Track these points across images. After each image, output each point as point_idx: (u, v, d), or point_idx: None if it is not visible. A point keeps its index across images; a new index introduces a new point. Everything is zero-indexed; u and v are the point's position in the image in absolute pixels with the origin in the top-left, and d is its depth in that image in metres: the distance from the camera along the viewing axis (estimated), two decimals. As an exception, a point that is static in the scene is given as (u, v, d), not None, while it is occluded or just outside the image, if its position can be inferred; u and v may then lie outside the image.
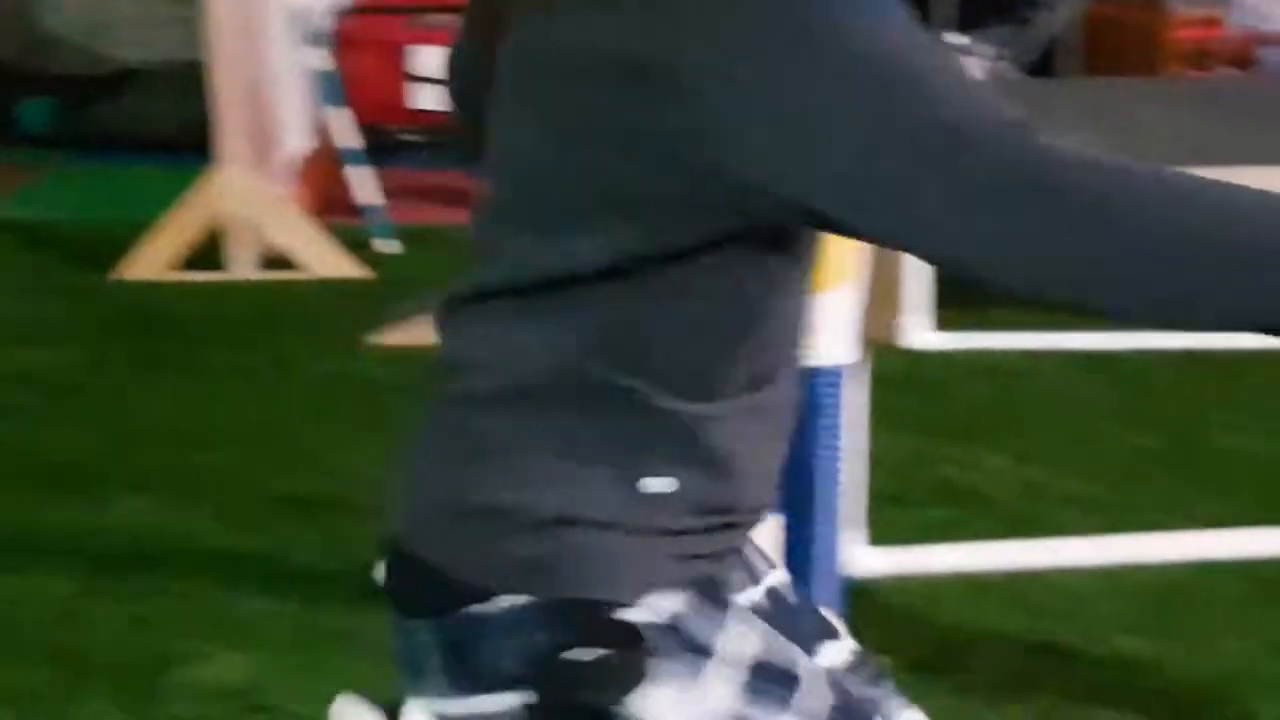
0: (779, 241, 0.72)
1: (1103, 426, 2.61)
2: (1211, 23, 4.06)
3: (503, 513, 0.79)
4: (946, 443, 2.54)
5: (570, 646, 0.79)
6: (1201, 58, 3.93)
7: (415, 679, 0.89)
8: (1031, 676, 1.83)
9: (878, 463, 2.09)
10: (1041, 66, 4.09)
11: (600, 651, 0.79)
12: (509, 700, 0.82)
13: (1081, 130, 2.47)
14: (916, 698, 1.37)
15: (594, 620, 0.79)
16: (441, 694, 0.87)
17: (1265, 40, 4.07)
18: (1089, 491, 2.31)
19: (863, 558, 1.97)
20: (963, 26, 3.87)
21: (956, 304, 2.85)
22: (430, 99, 3.31)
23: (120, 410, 2.59)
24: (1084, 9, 4.18)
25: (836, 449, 1.72)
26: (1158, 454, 2.46)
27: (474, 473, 0.81)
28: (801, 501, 1.66)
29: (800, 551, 1.67)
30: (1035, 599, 1.99)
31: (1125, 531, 2.15)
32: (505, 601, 0.81)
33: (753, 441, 0.80)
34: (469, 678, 0.86)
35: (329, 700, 1.07)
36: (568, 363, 0.72)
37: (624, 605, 0.78)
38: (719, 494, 0.80)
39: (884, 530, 2.02)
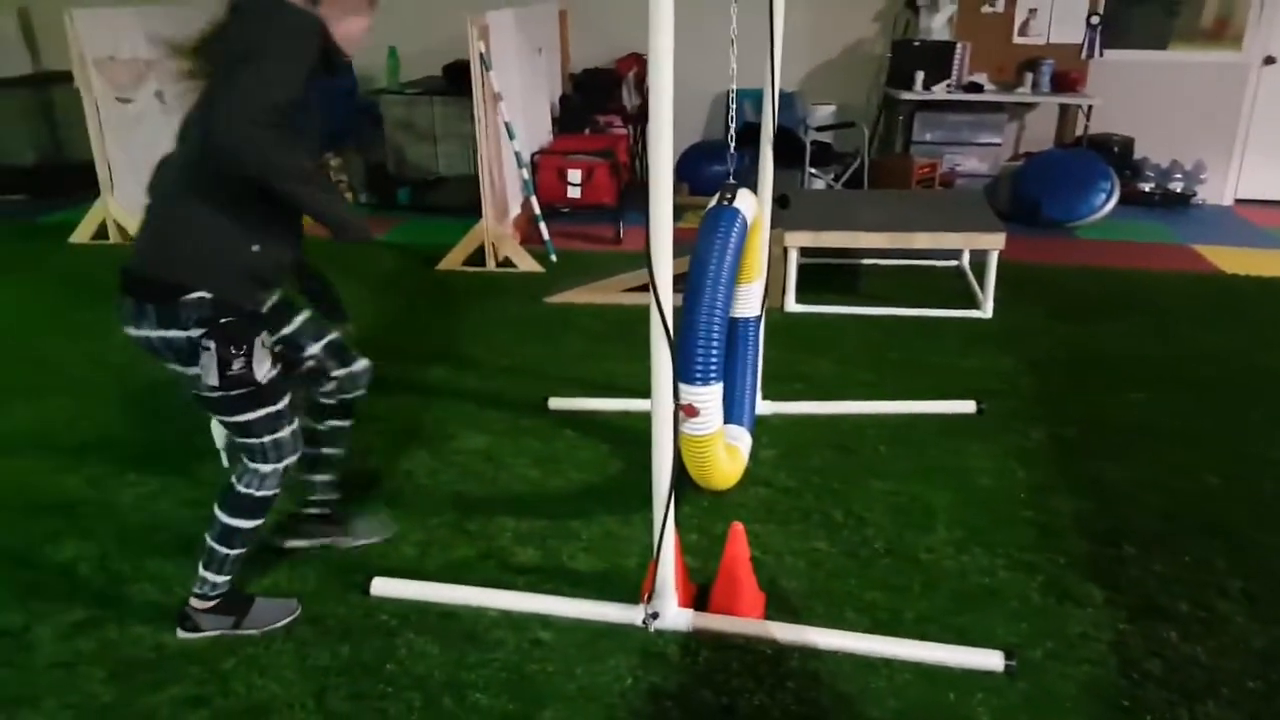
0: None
1: (876, 349, 4.03)
2: (933, 165, 6.18)
3: (197, 254, 1.96)
4: (801, 356, 3.95)
5: (223, 316, 1.96)
6: (928, 181, 6.05)
7: (132, 320, 1.99)
8: (840, 461, 3.11)
9: (769, 362, 3.46)
10: (854, 183, 6.13)
11: (233, 318, 1.96)
12: (189, 334, 1.97)
13: (874, 209, 4.40)
14: (783, 466, 2.90)
15: (232, 305, 1.97)
16: (150, 328, 1.98)
17: (958, 175, 6.29)
18: (868, 378, 3.72)
19: (761, 405, 3.37)
20: (814, 164, 5.86)
21: (809, 289, 4.58)
22: (573, 191, 5.54)
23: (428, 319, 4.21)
24: (874, 159, 6.33)
25: (755, 354, 3.00)
26: (902, 364, 3.87)
27: (182, 236, 1.96)
28: (739, 375, 2.91)
29: (736, 398, 2.88)
30: (843, 429, 3.29)
31: (883, 400, 3.47)
32: (195, 295, 1.94)
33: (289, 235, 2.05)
34: (171, 322, 1.96)
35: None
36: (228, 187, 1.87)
37: (246, 306, 2.00)
38: (278, 254, 2.01)
39: (771, 392, 3.47)
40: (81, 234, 5.90)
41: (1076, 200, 6.02)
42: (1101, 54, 6.45)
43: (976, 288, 4.65)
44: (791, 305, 4.55)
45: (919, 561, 2.55)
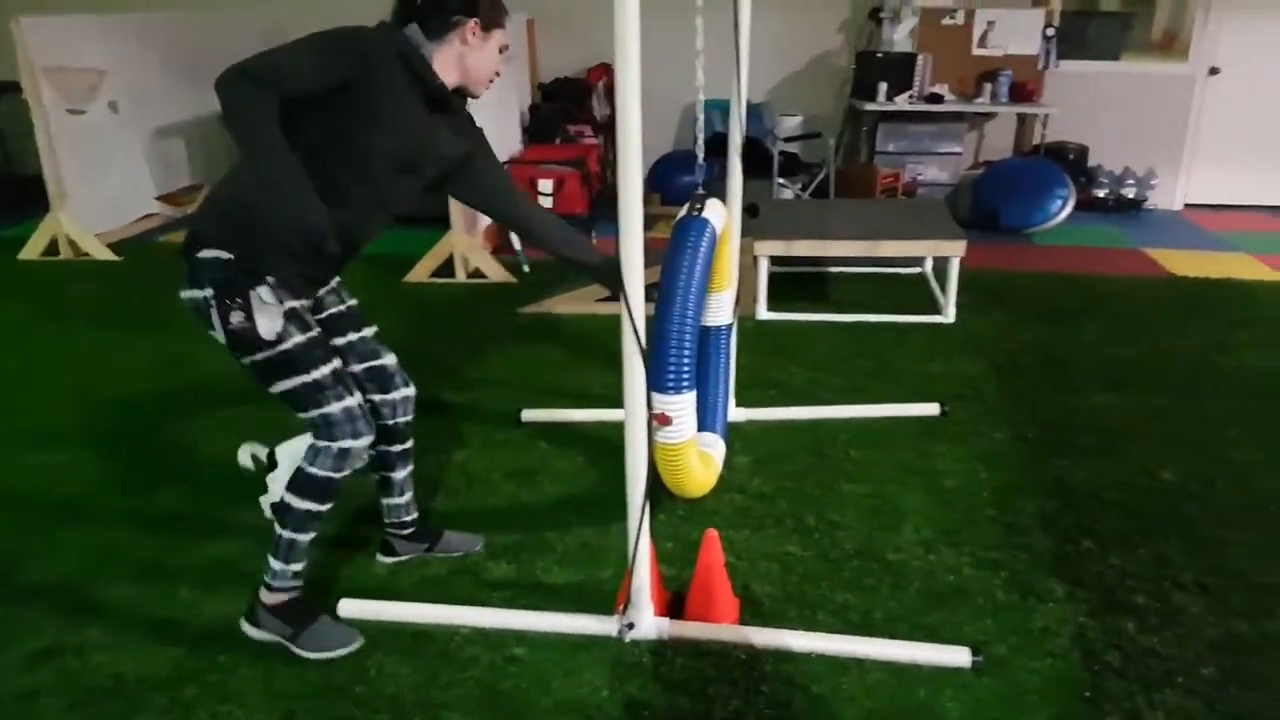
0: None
1: (845, 355, 4.11)
2: (897, 175, 6.30)
3: (227, 211, 2.01)
4: (774, 362, 4.02)
5: (233, 274, 1.95)
6: (892, 190, 6.18)
7: (180, 285, 2.04)
8: (812, 465, 3.17)
9: (742, 369, 3.58)
10: (820, 192, 6.21)
11: (243, 275, 1.95)
12: (205, 293, 1.99)
13: (841, 218, 4.50)
14: (757, 473, 2.94)
15: (244, 267, 1.96)
16: (182, 289, 2.05)
17: (920, 184, 6.41)
18: (839, 384, 3.80)
19: (735, 412, 3.44)
20: (782, 174, 5.95)
21: (780, 297, 4.65)
22: (545, 201, 5.42)
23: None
24: (839, 168, 6.42)
25: (727, 362, 3.01)
26: (871, 369, 3.95)
27: (217, 202, 2.03)
28: (711, 383, 2.93)
29: (709, 406, 2.91)
30: (815, 434, 3.35)
31: (853, 405, 3.53)
32: (211, 253, 1.98)
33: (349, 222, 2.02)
34: (194, 281, 2.01)
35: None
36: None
37: (258, 269, 1.97)
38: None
39: (745, 399, 3.54)
40: (31, 250, 5.81)
41: (1034, 207, 6.17)
42: (1057, 65, 6.62)
43: (939, 294, 4.75)
44: (763, 313, 4.63)
45: (888, 562, 2.61)
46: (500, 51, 2.17)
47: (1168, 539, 2.71)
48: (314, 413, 2.09)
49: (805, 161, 6.55)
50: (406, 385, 2.44)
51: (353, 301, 2.34)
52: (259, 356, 2.02)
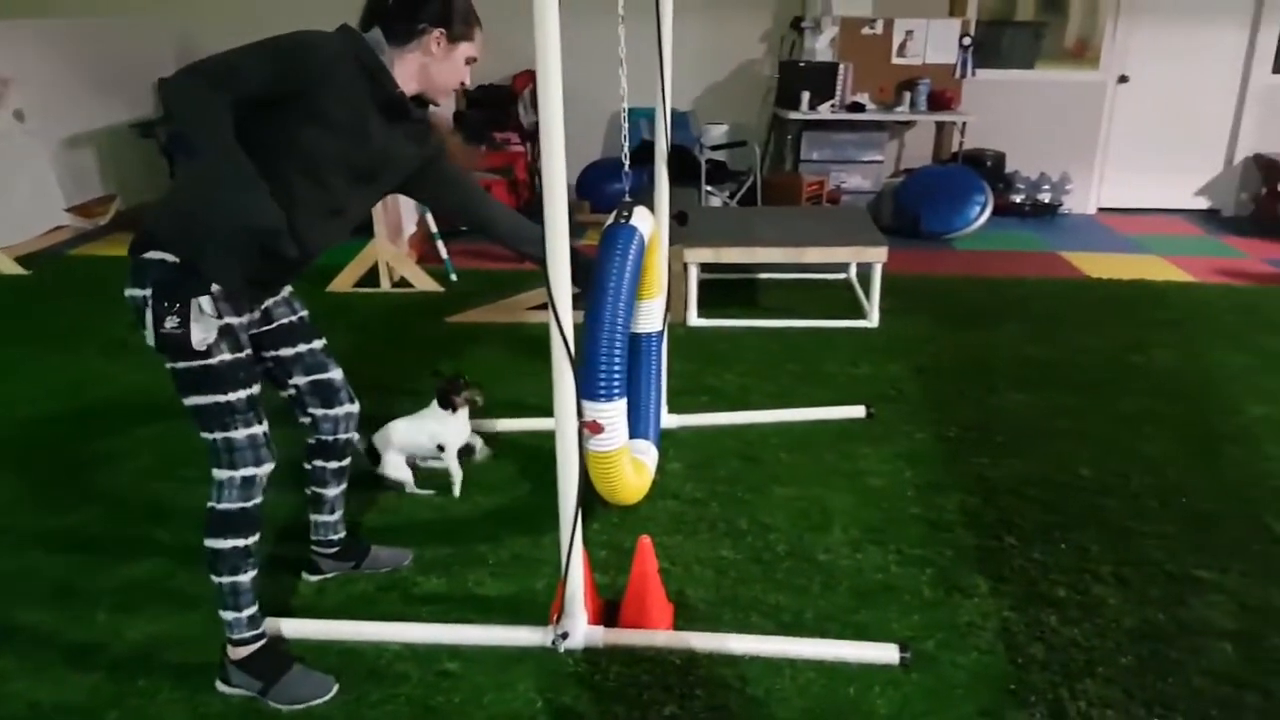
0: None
1: (775, 360, 4.16)
2: (821, 183, 6.41)
3: (175, 211, 1.93)
4: (705, 369, 4.06)
5: (175, 276, 1.87)
6: (817, 198, 6.29)
7: (128, 278, 1.92)
8: (744, 469, 3.20)
9: (675, 376, 3.62)
10: (748, 200, 6.30)
11: (186, 281, 1.87)
12: (145, 292, 1.89)
13: (769, 225, 4.57)
14: (690, 478, 2.97)
15: (189, 272, 1.87)
16: (126, 287, 1.92)
17: (843, 192, 6.54)
18: (769, 389, 3.84)
19: (667, 418, 3.45)
20: (710, 182, 6.01)
21: (710, 304, 4.69)
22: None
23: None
24: (766, 176, 6.51)
25: (659, 369, 3.07)
26: (800, 374, 4.02)
27: (167, 204, 1.94)
28: (643, 390, 2.98)
29: (641, 413, 2.96)
30: (747, 438, 3.38)
31: (784, 409, 3.59)
32: (158, 255, 1.89)
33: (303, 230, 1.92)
34: (137, 280, 1.90)
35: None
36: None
37: (204, 275, 1.88)
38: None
39: (677, 405, 3.57)
40: (-68, 268, 5.58)
41: (953, 213, 6.34)
42: (973, 73, 6.81)
43: (864, 298, 4.84)
44: (694, 320, 4.66)
45: (819, 563, 2.65)
46: (467, 63, 2.11)
47: (1086, 532, 2.80)
48: (218, 435, 2.02)
49: (733, 169, 6.62)
50: (351, 401, 2.39)
51: (304, 312, 2.28)
52: (181, 365, 1.95)
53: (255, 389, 2.06)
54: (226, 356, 1.97)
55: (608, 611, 2.40)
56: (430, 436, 3.00)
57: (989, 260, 5.92)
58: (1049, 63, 7.20)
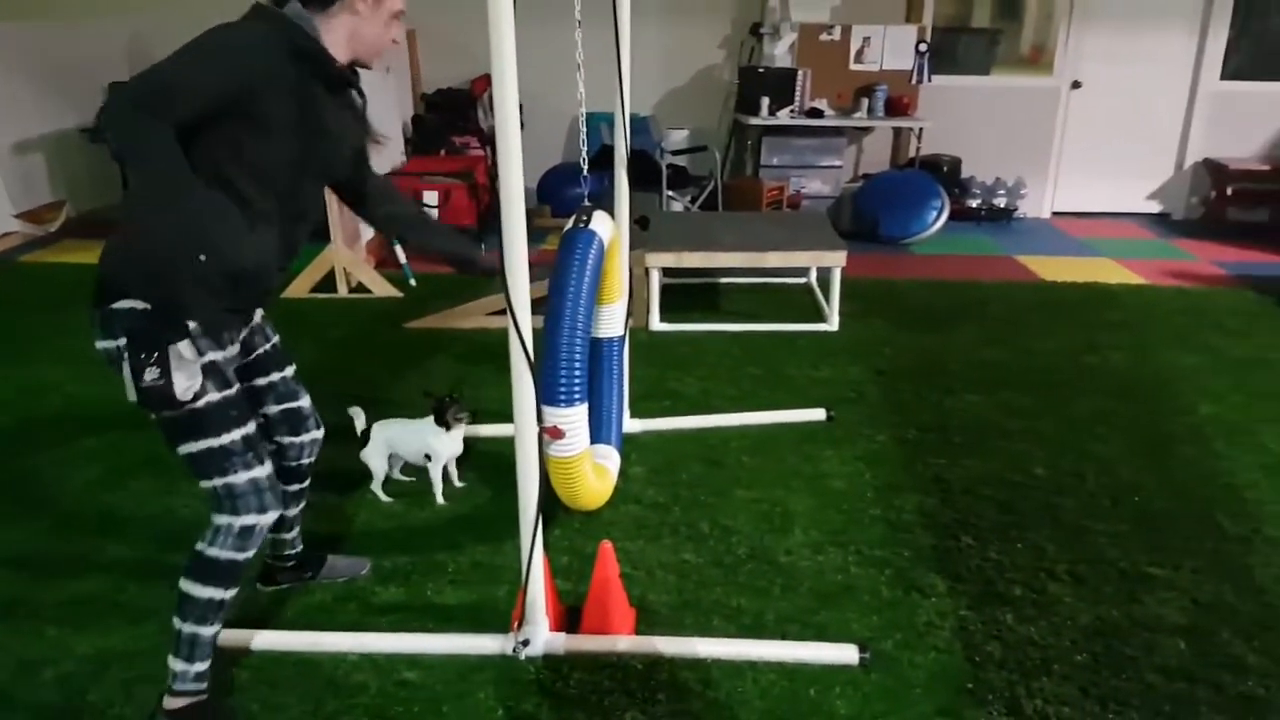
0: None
1: (737, 364, 4.19)
2: (781, 188, 6.46)
3: (134, 255, 1.75)
4: (668, 373, 4.06)
5: (150, 323, 1.73)
6: (777, 203, 6.34)
7: (93, 334, 1.79)
8: (706, 473, 3.21)
9: (637, 380, 3.62)
10: (709, 205, 6.35)
11: (161, 327, 1.73)
12: (118, 342, 1.76)
13: (730, 230, 4.59)
14: (653, 482, 2.99)
15: (161, 315, 1.74)
16: (96, 339, 1.80)
17: (804, 197, 6.59)
18: (731, 392, 3.86)
19: (630, 423, 3.45)
20: (671, 187, 6.04)
21: (672, 309, 4.71)
22: (431, 213, 5.27)
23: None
24: (726, 181, 6.57)
25: (620, 373, 3.08)
26: (761, 377, 4.03)
27: (127, 248, 1.76)
28: (605, 395, 2.98)
29: (603, 418, 2.95)
30: (709, 442, 3.40)
31: (745, 412, 3.61)
32: (127, 304, 1.74)
33: (250, 256, 1.73)
34: (107, 332, 1.78)
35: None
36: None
37: (179, 316, 1.75)
38: (230, 273, 1.70)
39: (640, 410, 3.58)
40: None
41: (911, 218, 6.41)
42: (929, 79, 6.89)
43: (824, 302, 4.87)
44: (656, 324, 4.66)
45: (780, 565, 2.66)
46: (394, 17, 1.96)
47: (1041, 531, 2.84)
48: (217, 481, 1.89)
49: (694, 174, 6.64)
50: (317, 427, 2.34)
51: (276, 338, 2.20)
52: (167, 414, 1.83)
53: (251, 427, 1.94)
54: (215, 397, 1.85)
55: (569, 618, 2.39)
56: (421, 446, 3.00)
57: (946, 264, 5.99)
58: (1004, 69, 7.31)
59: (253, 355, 2.13)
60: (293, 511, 2.46)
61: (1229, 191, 6.99)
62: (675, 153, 6.51)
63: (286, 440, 2.28)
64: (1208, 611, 2.46)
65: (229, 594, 1.99)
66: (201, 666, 2.02)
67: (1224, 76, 7.16)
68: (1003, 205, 7.12)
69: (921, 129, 6.89)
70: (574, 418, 2.37)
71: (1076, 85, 7.23)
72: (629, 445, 3.32)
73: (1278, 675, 2.22)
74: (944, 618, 2.43)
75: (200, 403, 1.82)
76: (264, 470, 1.94)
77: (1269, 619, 2.43)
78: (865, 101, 6.80)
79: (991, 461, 3.28)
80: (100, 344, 1.83)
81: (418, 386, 3.87)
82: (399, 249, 5.27)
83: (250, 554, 1.97)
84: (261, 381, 2.17)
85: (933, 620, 2.42)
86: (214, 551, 1.93)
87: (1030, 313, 4.99)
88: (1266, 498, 3.04)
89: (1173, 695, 2.16)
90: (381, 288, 5.14)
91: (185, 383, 1.78)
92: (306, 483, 2.43)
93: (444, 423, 2.98)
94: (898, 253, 6.28)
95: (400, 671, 2.23)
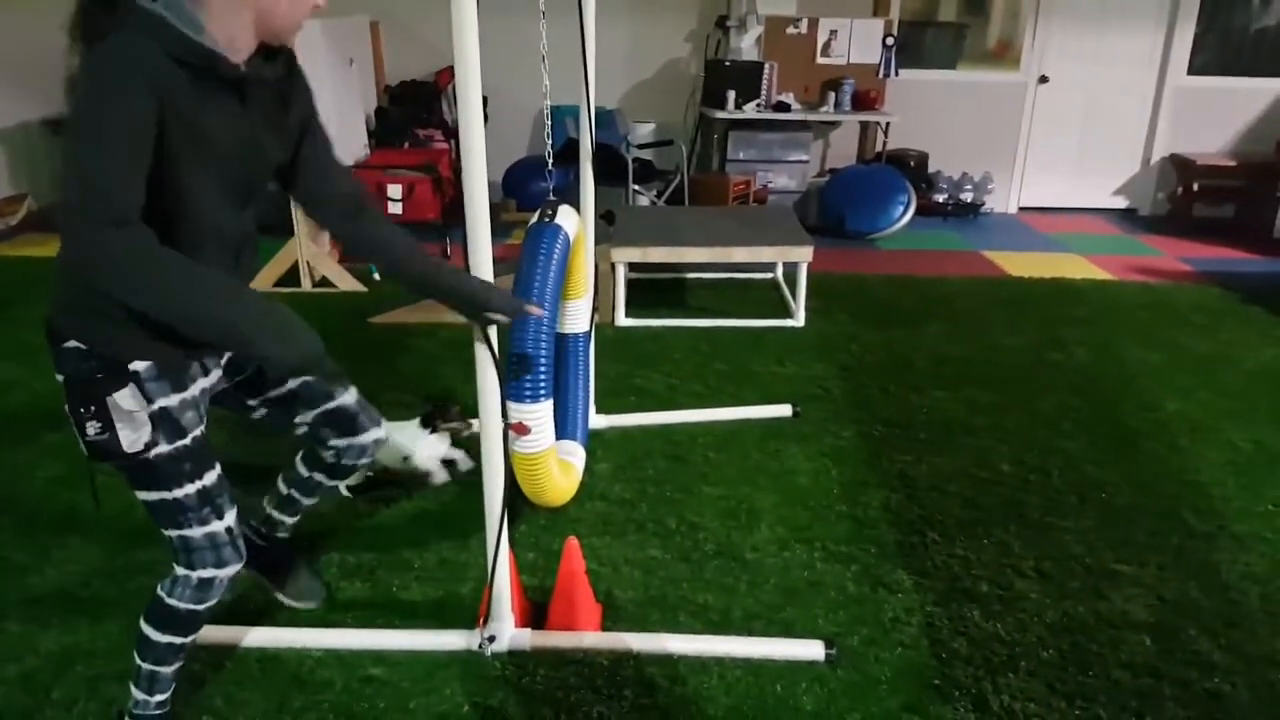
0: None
1: (703, 359, 4.17)
2: (748, 182, 6.44)
3: (83, 309, 1.58)
4: (634, 369, 4.04)
5: (89, 369, 1.58)
6: (744, 197, 6.32)
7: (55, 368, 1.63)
8: (672, 469, 3.21)
9: (603, 376, 3.60)
10: (675, 199, 6.32)
11: (100, 375, 1.58)
12: (60, 380, 1.61)
13: (696, 225, 4.56)
14: (618, 479, 2.98)
15: (105, 361, 1.58)
16: (57, 371, 1.64)
17: (770, 191, 6.54)
18: (698, 388, 3.85)
19: (596, 419, 3.45)
20: (637, 181, 5.97)
21: (639, 304, 4.71)
22: (395, 207, 5.24)
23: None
24: (693, 176, 6.50)
25: (586, 369, 3.06)
26: (727, 374, 4.02)
27: (61, 286, 1.60)
28: (570, 391, 2.96)
29: (569, 414, 2.94)
30: (675, 438, 3.38)
31: (711, 408, 3.60)
32: (72, 344, 1.58)
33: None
34: (58, 368, 1.63)
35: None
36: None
37: (122, 360, 1.59)
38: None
39: (606, 406, 3.57)
40: None
41: (877, 213, 6.42)
42: (896, 73, 6.91)
43: (790, 298, 4.87)
44: (622, 319, 4.63)
45: (746, 561, 2.64)
46: None
47: (1008, 528, 2.84)
48: (172, 533, 1.77)
49: (660, 169, 6.61)
50: (375, 424, 2.13)
51: None
52: (116, 464, 1.69)
53: (209, 479, 1.77)
54: (164, 449, 1.68)
55: (535, 614, 2.37)
56: (397, 447, 2.94)
57: (912, 260, 6.01)
58: (971, 64, 7.35)
59: (249, 369, 1.94)
60: (310, 502, 2.29)
61: (1195, 187, 7.08)
62: (641, 146, 6.48)
63: (343, 443, 2.09)
64: (1174, 608, 2.48)
65: (188, 639, 1.91)
66: (161, 697, 1.96)
67: (1191, 72, 7.23)
68: (969, 200, 7.16)
69: (888, 124, 6.91)
70: (539, 414, 2.34)
71: (1044, 80, 7.28)
72: (595, 441, 3.30)
73: (1243, 672, 2.24)
74: (910, 614, 2.43)
75: (150, 454, 1.68)
76: (221, 524, 1.80)
77: (1234, 616, 2.45)
78: (832, 95, 6.80)
79: (957, 458, 3.29)
80: (59, 375, 1.68)
81: (383, 382, 3.84)
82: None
83: (210, 604, 1.86)
84: (277, 392, 1.98)
85: (899, 616, 2.42)
86: (173, 602, 1.84)
87: (996, 308, 5.02)
88: (1231, 494, 3.07)
89: (1139, 691, 2.17)
90: (346, 282, 5.07)
91: (131, 435, 1.64)
92: (335, 483, 2.25)
93: (430, 424, 2.97)
94: (864, 248, 6.29)
95: (366, 668, 2.20)
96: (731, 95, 6.61)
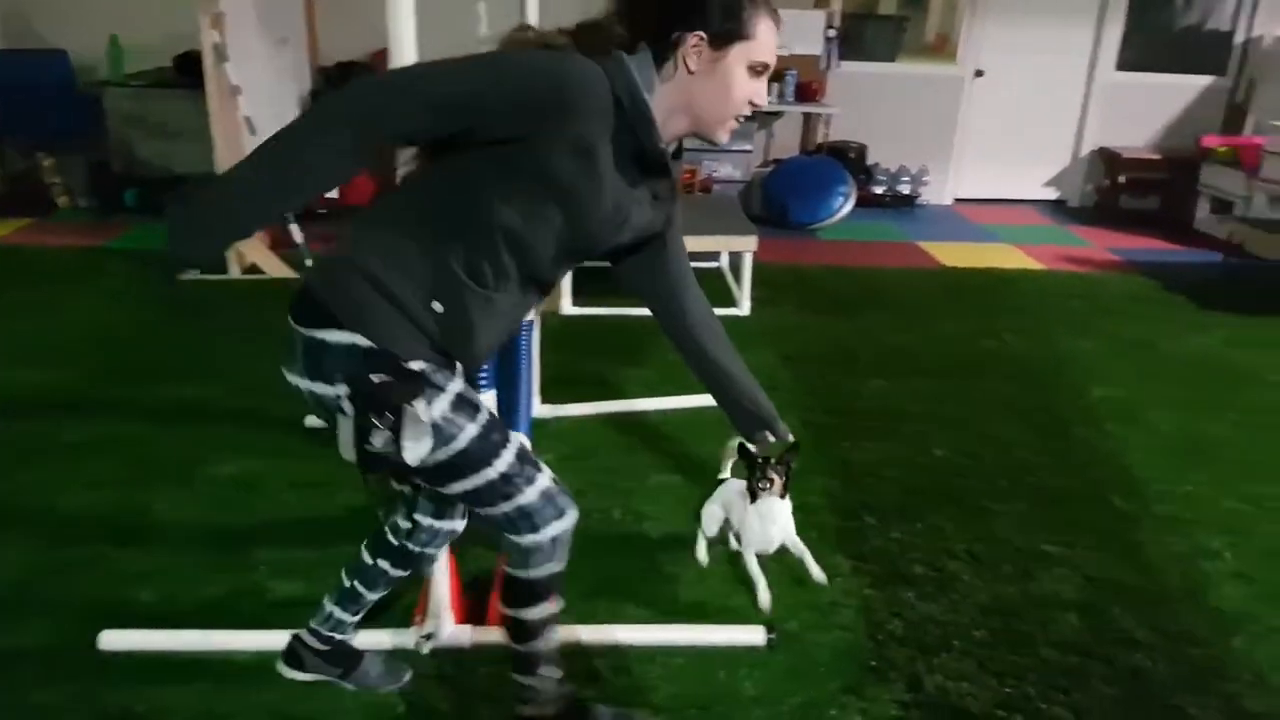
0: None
1: (651, 348, 4.09)
2: (694, 172, 6.46)
3: (361, 275, 1.44)
4: (580, 357, 4.04)
5: (374, 371, 1.43)
6: (689, 187, 6.33)
7: (288, 360, 1.53)
8: (621, 459, 3.21)
9: (549, 365, 3.51)
10: None
11: (387, 377, 1.43)
12: (336, 390, 1.45)
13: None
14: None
15: (388, 361, 1.44)
16: (300, 374, 1.50)
17: (715, 181, 6.58)
18: (647, 377, 3.82)
19: (541, 408, 3.44)
20: None
21: (586, 292, 4.66)
22: (330, 196, 4.88)
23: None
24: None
25: (530, 358, 3.07)
26: (677, 362, 3.65)
27: (359, 250, 1.47)
28: (514, 381, 2.92)
29: (512, 404, 2.91)
30: (623, 427, 3.39)
31: (659, 397, 3.58)
32: (344, 337, 1.43)
33: (483, 319, 1.49)
34: (317, 371, 1.47)
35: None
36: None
37: (403, 359, 1.44)
38: (461, 329, 1.47)
39: (552, 396, 3.52)
40: None
41: (819, 204, 6.49)
42: (838, 65, 6.97)
43: (735, 288, 4.90)
44: (568, 308, 4.61)
45: (693, 551, 2.66)
46: (753, 74, 1.52)
47: (942, 511, 2.91)
48: (504, 508, 1.64)
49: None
50: (462, 518, 1.99)
51: None
52: (431, 461, 1.54)
53: (519, 440, 1.67)
54: (472, 430, 1.55)
55: (475, 610, 2.35)
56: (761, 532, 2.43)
57: (852, 250, 6.09)
58: (910, 56, 7.45)
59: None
60: (375, 596, 2.04)
61: (1121, 180, 7.28)
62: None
63: (426, 522, 1.96)
64: (1100, 588, 2.55)
65: (560, 604, 1.85)
66: (557, 672, 1.90)
67: (1119, 68, 7.42)
68: (907, 192, 7.27)
69: (830, 115, 6.97)
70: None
71: (979, 74, 7.41)
72: (539, 432, 3.29)
73: (1164, 649, 2.32)
74: (848, 597, 2.47)
75: (461, 443, 1.55)
76: (545, 473, 1.70)
77: (1157, 595, 2.53)
78: (776, 86, 6.84)
79: (896, 444, 3.35)
80: (300, 382, 1.54)
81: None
82: (294, 228, 5.08)
83: (565, 562, 1.78)
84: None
85: (837, 600, 2.46)
86: (535, 573, 1.75)
87: (933, 298, 5.11)
88: (1155, 476, 3.17)
89: (1067, 669, 2.23)
90: (276, 269, 4.97)
91: (417, 448, 1.49)
92: (401, 573, 2.02)
93: (761, 481, 2.30)
94: (806, 239, 6.35)
95: (300, 668, 2.16)
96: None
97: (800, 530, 2.72)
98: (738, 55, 1.49)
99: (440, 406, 1.50)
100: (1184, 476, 3.18)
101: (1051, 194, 7.80)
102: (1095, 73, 7.42)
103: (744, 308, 4.69)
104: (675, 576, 2.54)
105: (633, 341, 4.27)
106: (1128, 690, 2.18)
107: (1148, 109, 7.49)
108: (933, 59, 7.47)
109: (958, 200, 7.71)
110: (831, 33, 6.88)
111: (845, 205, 6.51)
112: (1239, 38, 7.38)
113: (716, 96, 1.50)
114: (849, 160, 6.97)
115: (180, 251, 1.44)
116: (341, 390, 1.47)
